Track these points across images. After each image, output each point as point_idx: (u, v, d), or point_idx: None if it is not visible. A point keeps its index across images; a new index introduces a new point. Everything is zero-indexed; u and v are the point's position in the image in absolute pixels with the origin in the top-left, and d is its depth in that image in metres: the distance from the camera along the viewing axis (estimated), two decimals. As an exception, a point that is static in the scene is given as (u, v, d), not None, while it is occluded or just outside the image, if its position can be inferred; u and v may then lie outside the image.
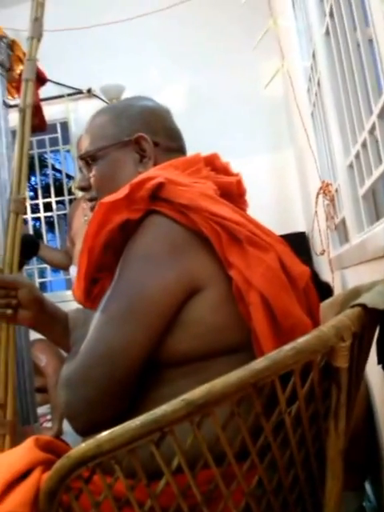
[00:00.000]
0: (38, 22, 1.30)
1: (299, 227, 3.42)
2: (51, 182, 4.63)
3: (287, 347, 0.73)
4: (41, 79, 2.92)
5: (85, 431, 0.91)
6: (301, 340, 0.74)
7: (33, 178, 7.18)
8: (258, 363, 0.73)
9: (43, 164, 6.21)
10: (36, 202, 4.65)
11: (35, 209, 4.93)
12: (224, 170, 1.12)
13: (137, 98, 1.19)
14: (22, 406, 2.31)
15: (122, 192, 0.94)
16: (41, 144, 4.36)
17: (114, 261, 0.97)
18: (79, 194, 3.80)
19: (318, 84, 2.05)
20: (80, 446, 0.77)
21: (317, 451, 0.86)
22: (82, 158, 1.14)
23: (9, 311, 1.14)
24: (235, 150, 3.49)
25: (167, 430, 0.74)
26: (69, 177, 4.86)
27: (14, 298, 1.14)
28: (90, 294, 1.07)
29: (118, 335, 0.88)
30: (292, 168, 3.70)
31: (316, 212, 2.27)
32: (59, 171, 7.48)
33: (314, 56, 2.05)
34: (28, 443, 0.95)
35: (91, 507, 0.81)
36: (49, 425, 2.99)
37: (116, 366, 0.88)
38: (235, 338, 0.92)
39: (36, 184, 6.72)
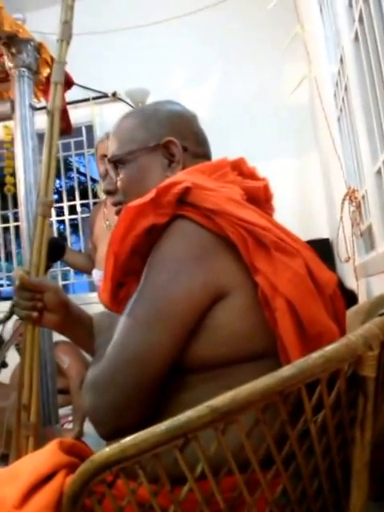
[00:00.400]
0: (67, 24, 1.29)
1: (323, 233, 3.39)
2: (76, 185, 4.66)
3: (315, 355, 0.72)
4: (67, 83, 2.94)
5: (109, 436, 0.91)
6: (329, 348, 0.73)
7: (58, 181, 7.25)
8: (285, 371, 0.72)
9: (68, 167, 6.26)
10: (61, 205, 4.69)
11: (60, 212, 4.97)
12: (251, 175, 1.11)
13: (165, 102, 1.19)
14: (44, 407, 2.32)
15: (148, 196, 0.94)
16: (66, 147, 4.40)
17: (141, 265, 0.97)
18: (103, 196, 3.83)
19: (346, 89, 2.03)
20: (104, 451, 0.77)
21: (342, 461, 0.84)
22: (109, 161, 1.13)
23: (34, 314, 1.14)
24: (259, 154, 3.47)
25: (191, 436, 0.73)
26: (93, 180, 4.89)
27: (40, 301, 1.14)
28: (116, 298, 1.07)
29: (143, 340, 0.88)
30: (317, 173, 3.68)
31: (341, 218, 2.24)
32: (84, 174, 7.53)
33: (341, 61, 2.04)
34: (52, 446, 0.95)
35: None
36: (70, 426, 3.01)
37: (141, 371, 0.88)
38: (260, 344, 0.91)
39: (61, 187, 6.78)
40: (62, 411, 3.01)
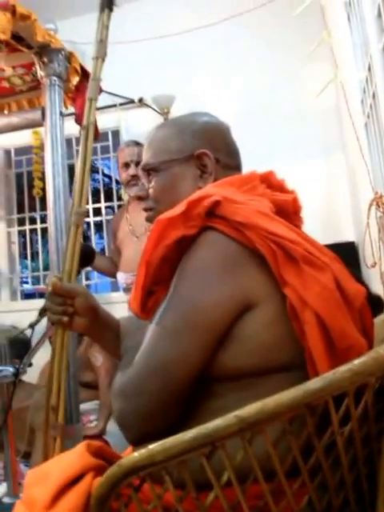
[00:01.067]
0: (102, 43, 1.32)
1: (348, 237, 3.37)
2: (101, 187, 4.70)
3: (343, 368, 0.73)
4: (96, 90, 2.99)
5: (136, 441, 0.93)
6: (357, 362, 0.73)
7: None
8: (313, 383, 0.73)
9: (93, 169, 6.31)
10: (86, 206, 4.72)
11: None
12: (280, 187, 1.12)
13: (199, 113, 1.21)
14: (66, 406, 2.35)
15: (179, 209, 0.96)
16: (93, 152, 4.45)
17: (170, 275, 0.98)
18: (126, 198, 3.86)
19: (373, 96, 2.03)
20: (132, 455, 0.78)
21: (368, 473, 0.85)
22: (143, 169, 1.16)
23: (65, 318, 1.17)
24: (285, 158, 3.50)
25: (219, 445, 0.75)
26: (118, 182, 4.92)
27: (71, 306, 1.18)
28: (146, 306, 1.09)
29: (172, 348, 0.90)
30: (343, 177, 3.65)
31: (368, 223, 2.23)
32: (109, 177, 7.60)
33: (369, 69, 2.03)
34: (80, 448, 0.97)
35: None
36: (93, 423, 3.04)
37: (170, 378, 0.89)
38: (287, 356, 0.91)
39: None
40: (86, 406, 3.09)
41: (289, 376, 0.90)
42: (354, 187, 3.28)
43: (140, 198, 1.18)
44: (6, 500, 1.44)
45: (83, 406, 2.95)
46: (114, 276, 3.13)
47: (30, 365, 1.47)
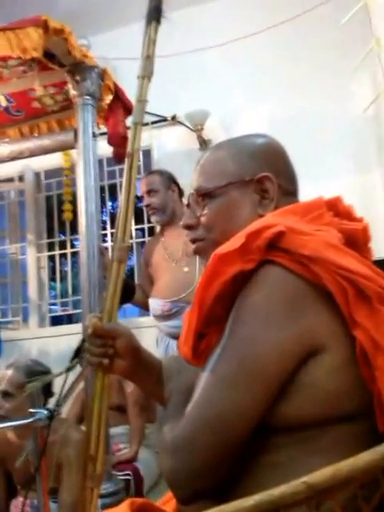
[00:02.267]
0: (149, 59, 1.20)
1: (387, 255, 3.26)
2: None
3: None
4: (127, 109, 2.94)
5: (187, 500, 0.86)
6: None
7: (110, 204, 7.29)
8: (391, 445, 0.64)
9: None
10: (113, 230, 4.69)
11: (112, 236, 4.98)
12: (347, 215, 1.03)
13: (257, 134, 1.11)
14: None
15: (238, 242, 0.87)
16: (123, 172, 4.41)
17: (224, 314, 0.91)
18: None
19: None
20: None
21: None
22: (197, 194, 1.06)
23: (105, 361, 1.09)
24: (320, 173, 3.39)
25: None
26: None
27: (111, 348, 1.10)
28: (197, 350, 1.01)
29: (228, 399, 0.82)
30: (379, 192, 3.54)
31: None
32: (139, 198, 7.53)
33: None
34: (123, 508, 0.91)
35: None
36: (123, 451, 2.97)
37: (226, 432, 0.82)
38: (354, 404, 0.83)
39: (113, 210, 6.81)
40: (116, 430, 3.01)
41: (354, 427, 0.84)
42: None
43: (189, 227, 1.08)
44: (40, 542, 1.37)
45: (113, 431, 2.89)
46: (146, 307, 3.01)
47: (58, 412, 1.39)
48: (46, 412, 1.25)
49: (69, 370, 1.19)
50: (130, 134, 1.19)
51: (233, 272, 0.87)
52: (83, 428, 2.37)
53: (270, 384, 0.82)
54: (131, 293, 1.17)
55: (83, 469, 1.09)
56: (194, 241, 1.08)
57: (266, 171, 1.01)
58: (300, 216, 0.95)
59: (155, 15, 1.21)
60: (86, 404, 2.53)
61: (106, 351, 1.09)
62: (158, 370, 1.15)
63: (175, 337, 2.70)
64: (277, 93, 3.80)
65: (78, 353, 1.18)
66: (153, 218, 3.01)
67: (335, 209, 1.01)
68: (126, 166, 1.17)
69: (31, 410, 1.29)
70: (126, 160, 1.17)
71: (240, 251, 0.86)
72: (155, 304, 2.83)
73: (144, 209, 4.45)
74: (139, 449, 2.94)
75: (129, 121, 3.02)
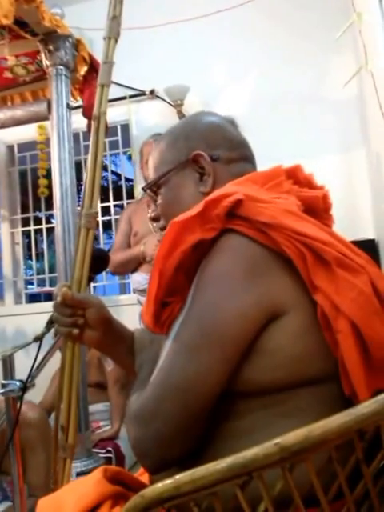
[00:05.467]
0: (116, 20, 1.18)
1: (368, 234, 3.26)
2: (109, 185, 4.58)
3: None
4: (105, 81, 2.89)
5: (155, 469, 0.85)
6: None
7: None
8: (365, 407, 0.64)
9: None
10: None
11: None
12: (307, 183, 1.04)
13: (194, 115, 1.15)
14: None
15: (196, 210, 0.88)
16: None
17: (186, 283, 0.91)
18: (138, 196, 3.74)
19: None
20: (156, 486, 0.70)
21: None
22: (145, 189, 1.12)
23: (75, 331, 1.09)
24: (302, 151, 3.37)
25: (256, 475, 0.66)
26: (128, 180, 4.82)
27: (82, 317, 1.09)
28: (159, 319, 1.01)
29: (191, 365, 0.82)
30: (363, 171, 3.53)
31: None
32: (117, 174, 7.47)
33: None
34: (96, 475, 0.91)
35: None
36: (104, 429, 2.98)
37: (190, 398, 0.81)
38: (318, 368, 0.84)
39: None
40: (96, 407, 3.02)
41: (319, 390, 0.84)
42: (377, 181, 3.16)
43: (155, 219, 1.11)
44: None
45: (92, 408, 2.90)
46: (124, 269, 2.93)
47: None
48: (18, 383, 1.23)
49: (37, 339, 1.17)
50: (96, 95, 1.16)
51: (193, 241, 0.87)
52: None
53: (232, 349, 0.82)
54: (104, 263, 1.14)
55: (54, 440, 1.08)
56: (162, 229, 1.09)
57: (199, 149, 1.03)
58: (260, 184, 0.96)
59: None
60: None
61: (76, 321, 1.09)
62: (130, 342, 1.15)
63: None
64: (257, 69, 3.77)
65: (48, 324, 1.17)
66: None
67: (295, 177, 1.02)
68: (92, 129, 1.16)
69: (3, 382, 1.27)
70: (93, 123, 1.16)
71: (199, 219, 0.87)
72: (140, 278, 2.78)
73: (122, 185, 4.43)
74: (120, 427, 2.95)
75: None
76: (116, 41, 1.19)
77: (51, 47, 2.52)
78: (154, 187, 1.09)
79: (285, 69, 3.67)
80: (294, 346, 0.82)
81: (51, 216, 4.59)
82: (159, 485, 0.69)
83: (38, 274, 4.71)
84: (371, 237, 3.22)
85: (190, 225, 0.87)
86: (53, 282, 4.43)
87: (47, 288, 4.61)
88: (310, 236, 0.83)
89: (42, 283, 4.66)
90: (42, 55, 2.58)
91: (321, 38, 3.52)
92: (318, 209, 1.01)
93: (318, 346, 0.83)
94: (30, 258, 5.04)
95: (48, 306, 3.72)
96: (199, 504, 0.70)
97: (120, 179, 4.70)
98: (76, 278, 1.10)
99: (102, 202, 4.34)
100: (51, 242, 5.09)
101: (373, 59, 2.50)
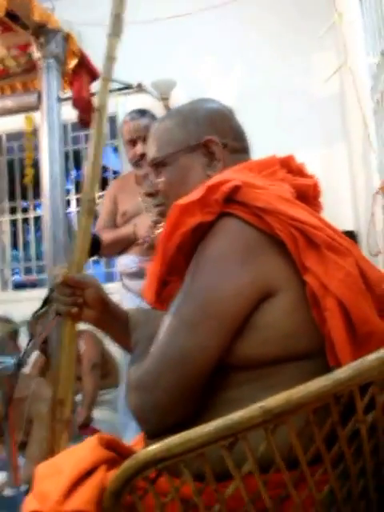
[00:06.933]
0: (118, 18, 1.26)
1: (348, 226, 3.35)
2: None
3: (372, 357, 0.71)
4: (93, 74, 2.95)
5: (154, 434, 0.91)
6: (384, 351, 0.71)
7: (75, 173, 7.23)
8: (342, 373, 0.71)
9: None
10: (78, 196, 4.66)
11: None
12: (299, 172, 1.10)
13: (201, 100, 1.18)
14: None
15: (197, 194, 0.93)
16: (88, 139, 4.39)
17: (185, 264, 0.97)
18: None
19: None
20: (149, 448, 0.77)
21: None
22: (150, 164, 1.13)
23: (74, 309, 1.15)
24: (286, 144, 3.44)
25: (241, 436, 0.73)
26: (115, 173, 4.84)
27: (80, 297, 1.15)
28: (160, 296, 1.07)
29: (189, 339, 0.88)
30: (343, 165, 3.63)
31: (373, 213, 2.22)
32: (103, 167, 7.45)
33: (382, 54, 2.01)
34: (92, 441, 0.95)
35: (156, 508, 0.81)
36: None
37: (188, 369, 0.88)
38: (306, 344, 0.90)
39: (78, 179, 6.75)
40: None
41: (307, 364, 0.89)
42: (356, 176, 3.26)
43: (150, 195, 1.14)
44: (7, 492, 1.41)
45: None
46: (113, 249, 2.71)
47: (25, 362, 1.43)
48: (13, 360, 1.29)
49: (36, 316, 1.23)
50: (99, 89, 1.24)
51: (193, 223, 0.93)
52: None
53: (228, 324, 0.88)
54: (97, 247, 1.19)
55: (52, 412, 1.15)
56: (157, 206, 1.14)
57: (210, 134, 1.07)
58: (256, 172, 1.02)
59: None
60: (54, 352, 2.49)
61: (75, 300, 1.15)
62: (124, 321, 1.20)
63: None
64: (243, 64, 3.84)
65: (45, 302, 1.23)
66: (142, 169, 2.60)
67: (288, 166, 1.08)
68: (95, 120, 1.23)
69: (-2, 358, 1.33)
70: (96, 114, 1.23)
71: (199, 203, 0.92)
72: (128, 261, 2.64)
73: (108, 177, 4.46)
74: (90, 413, 2.95)
75: (94, 86, 3.02)
76: (119, 38, 1.26)
77: (42, 40, 2.59)
78: (159, 164, 1.11)
79: (269, 65, 3.76)
80: (283, 322, 0.88)
81: (37, 206, 4.66)
82: (152, 447, 0.76)
83: (24, 262, 4.76)
84: (350, 228, 3.32)
85: (191, 208, 0.93)
86: (40, 272, 4.47)
87: (33, 276, 4.64)
88: (302, 220, 0.89)
89: (28, 272, 4.70)
90: (33, 48, 2.63)
91: (305, 35, 3.60)
92: (308, 196, 1.07)
93: (305, 324, 0.89)
94: (16, 247, 5.07)
95: (34, 294, 3.79)
96: (189, 465, 0.76)
97: (106, 171, 4.71)
98: (76, 261, 1.17)
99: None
100: (37, 231, 5.13)
101: (352, 57, 2.59)
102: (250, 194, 0.91)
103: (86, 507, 0.83)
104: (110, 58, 1.29)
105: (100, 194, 4.22)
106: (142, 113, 2.68)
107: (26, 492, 1.40)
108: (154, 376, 0.89)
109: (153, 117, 2.63)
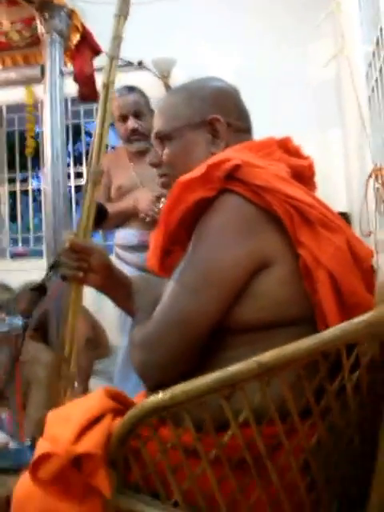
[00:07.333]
0: (125, 0, 1.32)
1: (341, 207, 3.43)
2: (83, 150, 4.71)
3: (357, 320, 0.79)
4: (95, 50, 2.97)
5: (155, 389, 0.97)
6: (370, 314, 0.80)
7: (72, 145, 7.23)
8: (330, 333, 0.80)
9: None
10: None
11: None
12: (296, 153, 1.16)
13: (208, 78, 1.23)
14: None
15: (199, 171, 0.99)
16: (88, 113, 4.45)
17: (187, 235, 1.04)
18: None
19: (380, 71, 2.07)
20: (154, 397, 0.85)
21: (371, 416, 0.91)
22: (155, 136, 1.19)
23: (80, 274, 1.22)
24: (283, 126, 3.50)
25: (238, 387, 0.81)
26: (113, 148, 4.89)
27: (86, 262, 1.22)
28: (163, 264, 1.14)
29: (191, 303, 0.96)
30: (338, 148, 3.72)
31: (366, 195, 2.30)
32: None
33: (377, 43, 2.07)
34: (99, 392, 1.03)
35: (158, 453, 0.89)
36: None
37: (189, 330, 0.96)
38: (298, 311, 0.98)
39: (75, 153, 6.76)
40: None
41: (297, 330, 0.96)
42: (350, 160, 3.34)
43: (154, 165, 1.20)
44: (13, 446, 1.50)
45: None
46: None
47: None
48: (20, 321, 1.36)
49: (45, 281, 1.30)
50: (105, 66, 1.31)
51: (195, 198, 1.00)
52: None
53: (227, 290, 0.96)
54: (103, 216, 1.23)
55: (56, 369, 1.24)
56: (160, 176, 1.21)
57: (216, 113, 1.12)
58: (255, 152, 1.07)
59: None
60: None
61: (81, 265, 1.21)
62: (128, 286, 1.27)
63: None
64: (241, 48, 3.88)
65: (52, 267, 1.30)
66: (134, 145, 2.64)
67: (285, 147, 1.15)
68: (101, 97, 1.32)
69: (7, 317, 1.40)
70: (102, 90, 1.32)
71: (201, 180, 0.99)
72: (127, 234, 2.64)
73: (106, 151, 4.46)
74: (87, 384, 3.04)
75: (97, 60, 3.05)
76: (125, 18, 1.32)
77: (46, 15, 2.60)
78: (164, 137, 1.17)
79: (269, 48, 3.81)
80: (277, 291, 0.96)
81: (34, 177, 4.73)
82: (157, 395, 0.84)
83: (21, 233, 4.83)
84: (344, 210, 3.40)
85: (193, 185, 0.99)
86: (37, 243, 4.54)
87: (30, 247, 4.71)
88: (298, 199, 0.96)
89: (25, 242, 4.74)
90: (37, 22, 2.65)
91: (304, 23, 3.64)
92: (304, 176, 1.13)
93: (297, 293, 0.96)
94: (14, 219, 5.12)
95: (33, 264, 3.86)
96: (190, 413, 0.84)
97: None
98: (82, 227, 1.24)
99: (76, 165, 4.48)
100: (35, 203, 5.18)
101: (349, 45, 2.64)
102: (250, 173, 0.98)
103: (95, 449, 0.91)
104: (117, 37, 1.35)
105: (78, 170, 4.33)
106: (131, 89, 2.68)
107: (30, 447, 1.50)
108: (157, 336, 0.97)
109: (141, 93, 2.66)
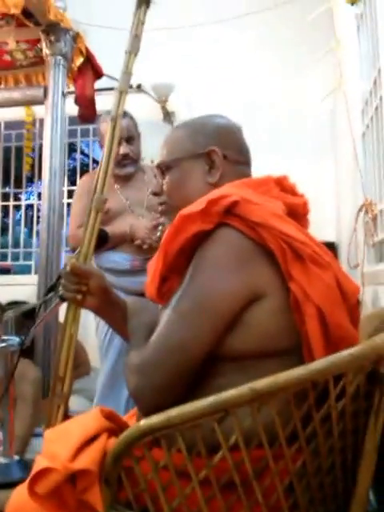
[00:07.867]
0: (137, 38, 1.39)
1: (329, 237, 3.51)
2: (78, 168, 4.80)
3: (345, 353, 0.85)
4: (98, 74, 3.06)
5: (149, 413, 0.99)
6: (356, 348, 0.86)
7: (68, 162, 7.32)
8: (318, 364, 0.86)
9: (74, 150, 6.29)
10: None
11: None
12: (291, 191, 1.22)
13: (213, 115, 1.30)
14: (45, 379, 2.46)
15: (200, 206, 1.05)
16: (85, 132, 4.53)
17: (185, 265, 1.09)
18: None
19: (376, 109, 2.13)
20: (151, 418, 0.89)
21: (353, 443, 0.98)
22: (158, 167, 1.26)
23: (79, 296, 1.27)
24: (277, 156, 3.60)
25: (231, 411, 0.86)
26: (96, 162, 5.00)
27: (85, 286, 1.27)
28: (161, 291, 1.19)
29: (187, 330, 1.00)
30: (330, 180, 3.80)
31: (355, 228, 2.37)
32: (95, 161, 7.54)
33: (375, 82, 2.14)
34: (95, 412, 1.08)
35: (150, 472, 0.93)
36: None
37: (185, 356, 1.00)
38: (286, 342, 1.02)
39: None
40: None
41: (285, 360, 1.01)
42: (341, 191, 3.43)
43: (156, 194, 1.27)
44: (2, 460, 1.52)
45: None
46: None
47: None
48: (18, 339, 1.40)
49: (45, 301, 1.35)
50: (114, 100, 1.39)
51: (194, 230, 1.05)
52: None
53: (220, 320, 1.00)
54: (103, 241, 1.27)
55: (52, 389, 1.28)
56: (160, 204, 1.27)
57: (214, 146, 1.18)
58: (253, 189, 1.13)
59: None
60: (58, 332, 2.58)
61: (80, 288, 1.27)
62: (123, 309, 1.32)
63: (139, 293, 2.22)
64: (241, 78, 3.98)
65: (52, 289, 1.35)
66: (125, 169, 2.60)
67: (282, 185, 1.20)
68: (109, 129, 1.39)
69: (4, 337, 1.44)
70: (110, 123, 1.39)
71: (201, 214, 1.04)
72: (122, 259, 2.61)
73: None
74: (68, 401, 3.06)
75: (98, 84, 3.14)
76: (135, 55, 1.39)
77: (52, 38, 2.67)
78: (164, 167, 1.23)
79: (267, 80, 3.92)
80: (268, 322, 1.01)
81: (20, 193, 4.78)
82: (153, 417, 0.89)
83: (4, 247, 4.87)
84: (332, 240, 3.49)
85: (193, 217, 1.05)
86: (15, 258, 4.59)
87: (7, 263, 4.71)
88: (291, 236, 1.02)
89: (3, 258, 4.76)
90: (43, 44, 2.72)
91: (304, 57, 3.77)
92: (298, 213, 1.19)
93: (287, 325, 1.01)
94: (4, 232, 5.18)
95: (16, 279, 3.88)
96: (183, 435, 0.89)
97: (96, 163, 4.86)
98: (84, 252, 1.30)
99: (72, 184, 4.53)
100: (19, 218, 5.26)
101: (347, 81, 2.73)
102: (247, 209, 1.03)
103: (91, 466, 0.96)
104: (128, 73, 1.41)
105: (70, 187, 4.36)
106: (124, 114, 2.62)
107: (18, 461, 1.53)
108: (153, 361, 1.01)
109: (132, 117, 2.65)
